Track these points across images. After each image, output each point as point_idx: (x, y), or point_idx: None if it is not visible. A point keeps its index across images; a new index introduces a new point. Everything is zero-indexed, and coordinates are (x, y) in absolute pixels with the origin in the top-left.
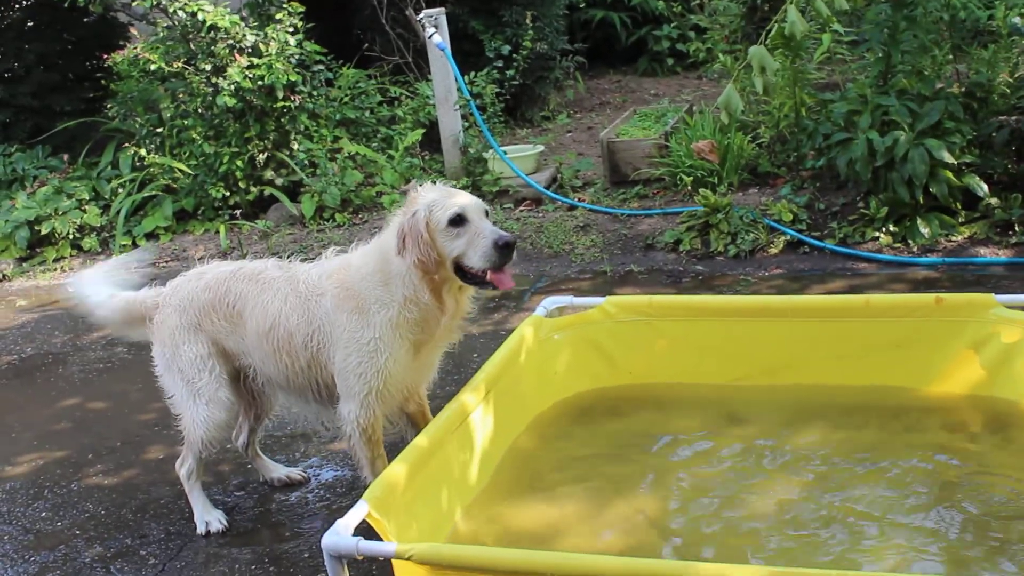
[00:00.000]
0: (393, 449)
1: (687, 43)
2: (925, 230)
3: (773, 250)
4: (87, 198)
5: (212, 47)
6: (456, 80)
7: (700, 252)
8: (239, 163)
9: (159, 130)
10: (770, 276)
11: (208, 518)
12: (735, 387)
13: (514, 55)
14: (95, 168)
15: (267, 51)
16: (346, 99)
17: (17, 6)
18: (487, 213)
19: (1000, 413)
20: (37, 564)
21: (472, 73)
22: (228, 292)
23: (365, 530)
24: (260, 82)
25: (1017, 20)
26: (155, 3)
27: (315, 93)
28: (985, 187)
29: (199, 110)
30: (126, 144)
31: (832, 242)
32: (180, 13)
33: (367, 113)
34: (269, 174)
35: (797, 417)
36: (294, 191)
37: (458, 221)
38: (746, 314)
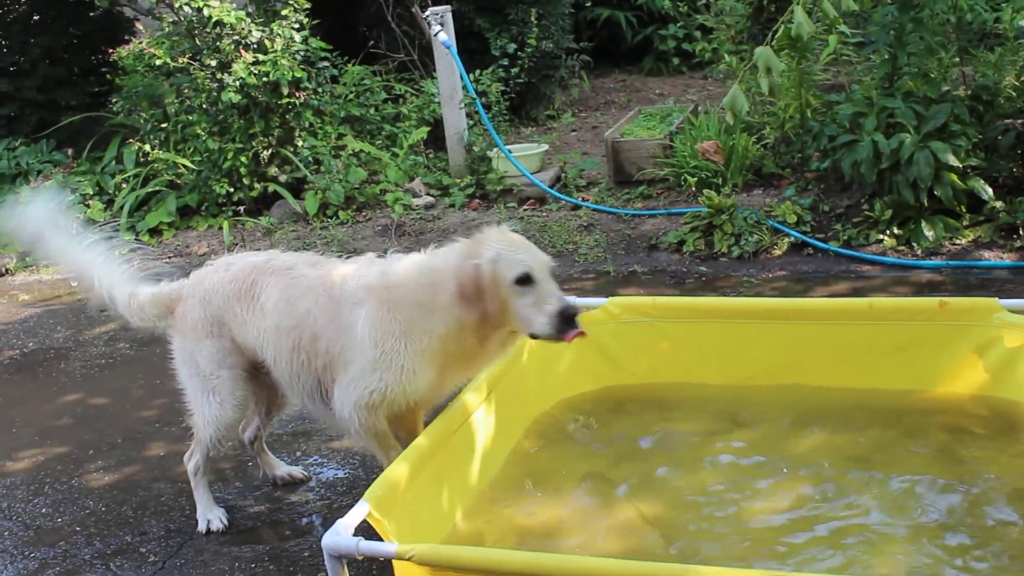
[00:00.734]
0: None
1: (693, 43)
2: (929, 233)
3: (777, 252)
4: (91, 193)
5: (217, 43)
6: (461, 78)
7: (704, 253)
8: (243, 159)
9: (164, 125)
10: (774, 278)
11: (210, 516)
12: (738, 389)
13: (519, 53)
14: (99, 163)
15: (272, 47)
16: (351, 96)
17: (23, 0)
18: (552, 271)
19: (1003, 417)
20: (37, 560)
21: (477, 71)
22: (254, 284)
23: (366, 530)
24: (265, 78)
25: None
26: None
27: (320, 90)
28: (990, 190)
29: (204, 106)
30: (130, 139)
31: (836, 244)
32: (186, 8)
33: (372, 110)
34: (273, 171)
35: (800, 419)
36: (298, 188)
37: (525, 280)
38: (749, 316)
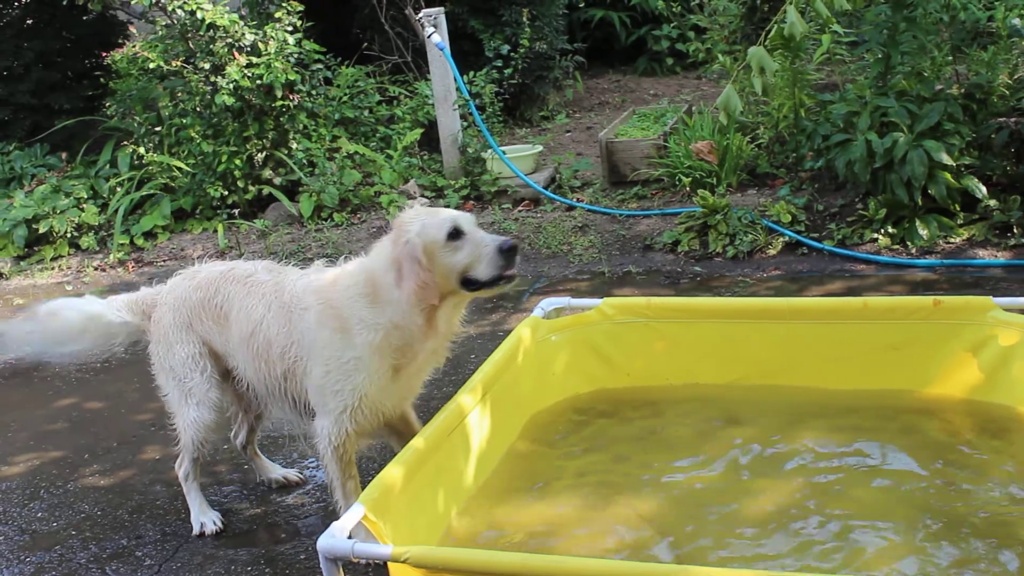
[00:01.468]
0: (383, 454)
1: (686, 43)
2: (923, 232)
3: (771, 251)
4: (85, 197)
5: (211, 46)
6: (455, 79)
7: (698, 253)
8: (237, 162)
9: (157, 129)
10: (768, 277)
11: (203, 519)
12: (733, 388)
13: (513, 54)
14: (93, 167)
15: (266, 50)
16: (345, 98)
17: (17, 4)
18: (476, 223)
19: (997, 416)
20: (33, 564)
21: (471, 72)
22: (217, 292)
23: (361, 532)
24: (259, 81)
25: (1017, 21)
26: (154, 1)
27: (314, 92)
28: (984, 189)
29: (198, 109)
30: (124, 143)
31: (830, 243)
32: (179, 11)
33: (366, 112)
34: (267, 173)
35: (794, 419)
36: (292, 190)
37: (455, 235)
38: (744, 316)
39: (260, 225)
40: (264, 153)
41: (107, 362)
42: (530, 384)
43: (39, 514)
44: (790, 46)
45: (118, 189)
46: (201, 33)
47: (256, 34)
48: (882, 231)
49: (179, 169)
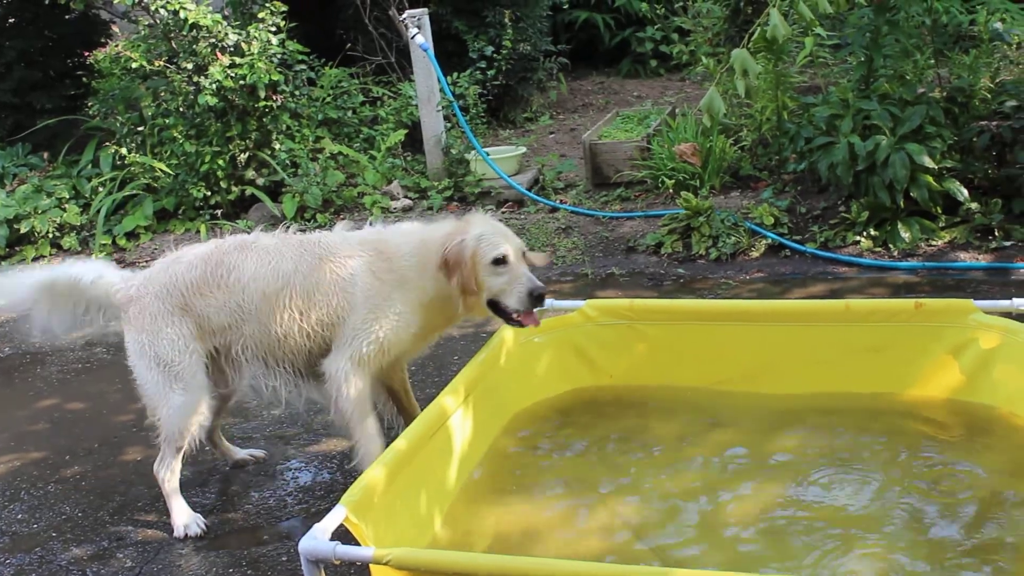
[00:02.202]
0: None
1: (670, 45)
2: (905, 234)
3: (754, 253)
4: (67, 196)
5: (194, 45)
6: (439, 80)
7: (681, 255)
8: (220, 162)
9: (140, 129)
10: (751, 279)
11: (187, 521)
12: (715, 391)
13: (496, 56)
14: (75, 166)
15: (249, 50)
16: (328, 99)
17: None
18: (524, 254)
19: (978, 418)
20: (12, 567)
21: (455, 74)
22: (219, 264)
23: (343, 534)
24: (242, 81)
25: (998, 25)
26: (137, 1)
27: (297, 93)
28: (965, 192)
29: (180, 109)
30: (107, 142)
31: (813, 246)
32: (162, 11)
33: (349, 113)
34: (250, 174)
35: (776, 421)
36: (275, 191)
37: (501, 261)
38: (726, 318)
39: (243, 226)
40: (247, 153)
41: (88, 363)
42: (513, 385)
43: (19, 515)
44: (773, 49)
45: (100, 189)
46: (184, 33)
47: (239, 34)
48: (864, 233)
49: (161, 169)
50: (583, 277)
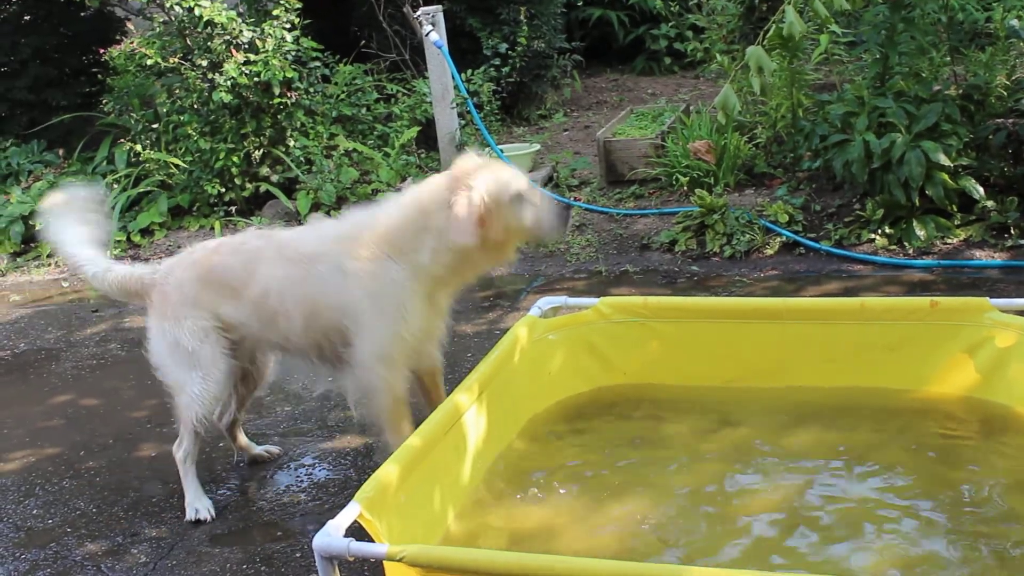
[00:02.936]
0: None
1: (684, 43)
2: (921, 232)
3: (769, 251)
4: None
5: (209, 43)
6: (453, 78)
7: (695, 253)
8: (235, 159)
9: (155, 126)
10: (765, 277)
11: (198, 505)
12: (730, 389)
13: (511, 53)
14: (90, 163)
15: (264, 47)
16: (342, 96)
17: (13, 0)
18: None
19: (993, 417)
20: (28, 562)
21: (469, 71)
22: (236, 253)
23: (356, 531)
24: (256, 78)
25: (1015, 22)
26: None
27: (312, 90)
28: (981, 190)
29: (195, 106)
30: (121, 139)
31: (828, 244)
32: (177, 8)
33: (363, 110)
34: (265, 171)
35: (791, 419)
36: (290, 188)
37: (520, 197)
38: (741, 316)
39: (257, 223)
40: (261, 150)
41: (103, 359)
42: (526, 383)
43: (34, 511)
44: (788, 46)
45: (115, 186)
46: (199, 30)
47: (254, 31)
48: (879, 231)
49: (176, 166)
50: (597, 274)
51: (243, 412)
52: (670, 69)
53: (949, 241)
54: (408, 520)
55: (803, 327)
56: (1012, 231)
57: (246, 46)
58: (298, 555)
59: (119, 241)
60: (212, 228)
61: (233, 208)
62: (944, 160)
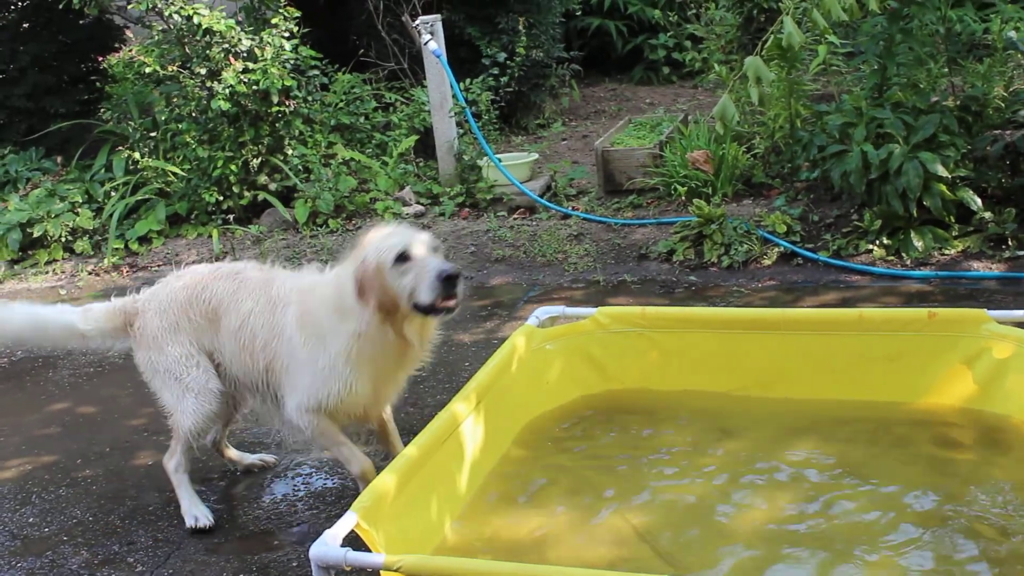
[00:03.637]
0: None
1: (683, 52)
2: (919, 243)
3: (766, 261)
4: (80, 201)
5: (207, 51)
6: (451, 87)
7: (693, 262)
8: (233, 167)
9: (153, 134)
10: (763, 288)
11: (196, 512)
12: (727, 399)
13: (509, 62)
14: (88, 171)
15: (262, 55)
16: (341, 104)
17: (12, 7)
18: (436, 249)
19: (992, 428)
20: (23, 570)
21: (468, 80)
22: (205, 289)
23: (353, 540)
24: (255, 86)
25: (1012, 34)
26: (151, 6)
27: (310, 98)
28: (979, 201)
29: (193, 114)
30: (120, 147)
31: (826, 254)
32: (175, 16)
33: (362, 119)
34: (263, 179)
35: (789, 430)
36: (288, 196)
37: (403, 259)
38: (739, 326)
39: (255, 231)
40: (259, 159)
41: (100, 367)
42: (524, 392)
43: (30, 519)
44: (787, 56)
45: (113, 193)
46: (197, 38)
47: (252, 40)
48: (877, 242)
49: (174, 174)
50: (595, 284)
51: (227, 429)
52: (668, 79)
53: (947, 252)
54: (405, 530)
55: (801, 338)
56: (1010, 242)
57: (245, 54)
58: (295, 564)
59: (117, 249)
60: (210, 236)
61: (231, 216)
62: (942, 171)
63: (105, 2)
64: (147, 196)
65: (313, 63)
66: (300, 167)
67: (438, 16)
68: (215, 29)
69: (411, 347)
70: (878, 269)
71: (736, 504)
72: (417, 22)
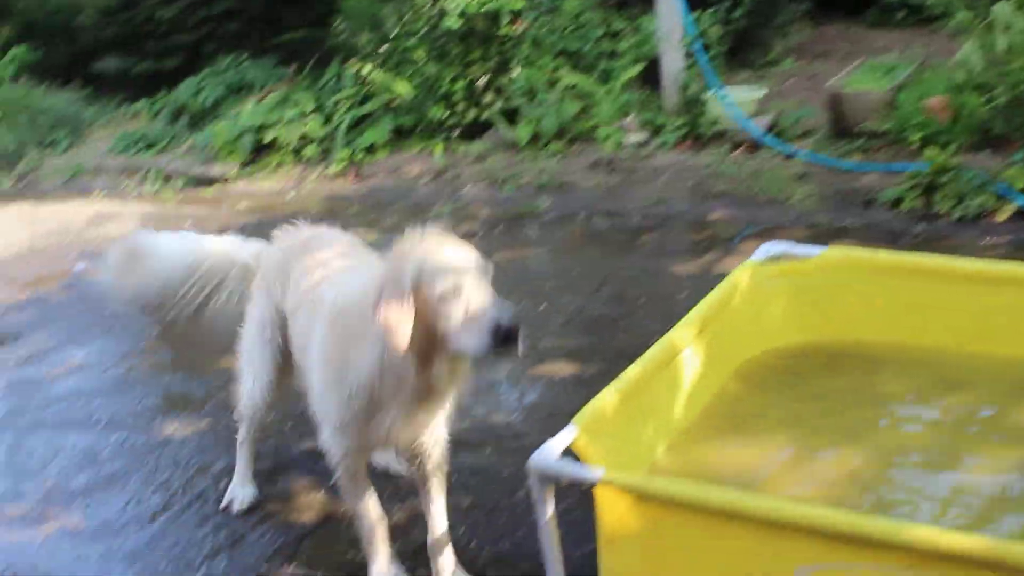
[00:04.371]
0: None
1: None
2: None
3: (1000, 217)
4: (310, 109)
5: None
6: (683, 17)
7: (921, 212)
8: (460, 85)
9: (383, 48)
10: (994, 244)
11: (238, 492)
12: (952, 352)
13: None
14: (319, 80)
15: None
16: (569, 29)
17: None
18: (486, 274)
19: None
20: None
21: (698, 12)
22: (294, 257)
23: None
24: (485, 6)
25: None
26: None
27: (539, 20)
28: None
29: (424, 31)
30: (351, 59)
31: None
32: None
33: (589, 44)
34: (488, 98)
35: (1014, 388)
36: (511, 117)
37: (453, 293)
38: (972, 280)
39: (477, 148)
40: (486, 78)
41: None
42: (745, 329)
43: None
44: None
45: (342, 104)
46: None
47: None
48: None
49: (401, 90)
50: (816, 227)
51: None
52: (904, 22)
53: None
54: (619, 449)
55: None
56: None
57: None
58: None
59: (343, 157)
60: (433, 151)
61: (454, 133)
62: None
63: None
64: (374, 108)
65: None
66: (525, 89)
67: None
68: None
69: (435, 389)
70: None
71: (954, 460)
72: None
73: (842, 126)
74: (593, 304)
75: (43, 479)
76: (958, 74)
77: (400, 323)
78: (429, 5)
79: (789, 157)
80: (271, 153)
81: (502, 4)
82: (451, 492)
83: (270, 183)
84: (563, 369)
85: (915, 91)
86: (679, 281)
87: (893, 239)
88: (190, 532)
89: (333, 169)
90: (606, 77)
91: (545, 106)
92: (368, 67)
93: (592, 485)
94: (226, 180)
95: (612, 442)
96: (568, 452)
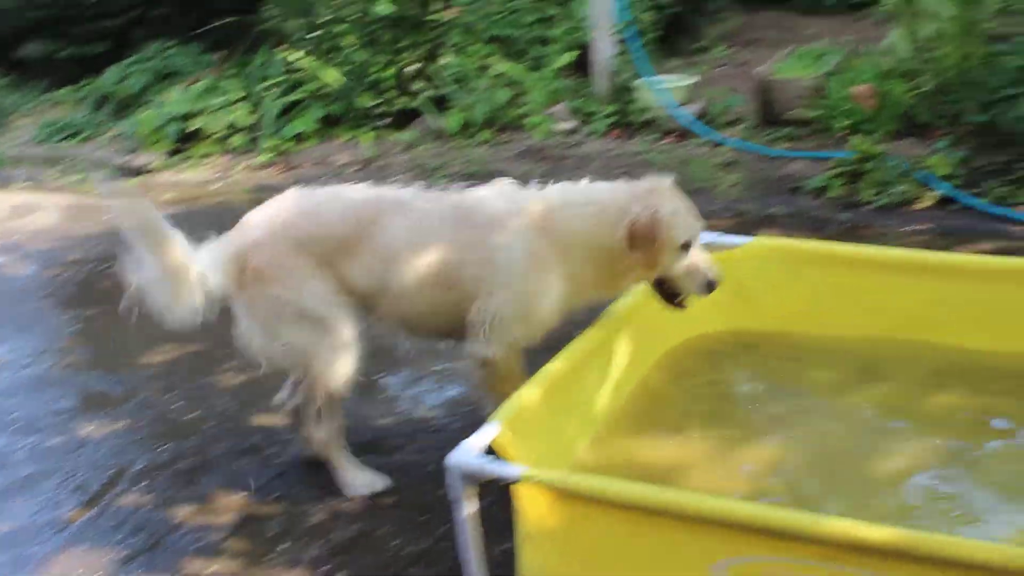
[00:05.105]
0: None
1: None
2: None
3: (923, 204)
4: (238, 97)
5: None
6: (614, 3)
7: (846, 200)
8: (389, 72)
9: (312, 35)
10: (917, 231)
11: (367, 480)
12: (874, 341)
13: None
14: (247, 67)
15: None
16: (501, 15)
17: None
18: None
19: None
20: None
21: None
22: (373, 223)
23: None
24: None
25: None
26: None
27: (470, 7)
28: None
29: (354, 17)
30: (280, 46)
31: (987, 201)
32: None
33: (520, 31)
34: (418, 86)
35: (935, 378)
36: (441, 105)
37: (688, 245)
38: (893, 268)
39: (407, 137)
40: (416, 65)
41: None
42: (667, 318)
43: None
44: None
45: (270, 91)
46: None
47: None
48: None
49: (331, 76)
50: (743, 214)
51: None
52: (835, 9)
53: None
54: (541, 445)
55: (957, 284)
56: None
57: None
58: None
59: (271, 147)
60: (360, 141)
61: (384, 122)
62: None
63: None
64: (303, 96)
65: None
66: (455, 76)
67: None
68: None
69: (607, 289)
70: None
71: (873, 449)
72: None
73: (771, 113)
74: None
75: None
76: (885, 61)
77: (645, 242)
78: None
79: (718, 145)
80: (197, 143)
81: None
82: None
83: (196, 173)
84: None
85: (844, 78)
86: None
87: (818, 227)
88: (106, 536)
89: (260, 159)
90: (538, 64)
91: (476, 94)
92: (297, 54)
93: (512, 482)
94: (151, 171)
95: (534, 438)
96: (490, 449)
